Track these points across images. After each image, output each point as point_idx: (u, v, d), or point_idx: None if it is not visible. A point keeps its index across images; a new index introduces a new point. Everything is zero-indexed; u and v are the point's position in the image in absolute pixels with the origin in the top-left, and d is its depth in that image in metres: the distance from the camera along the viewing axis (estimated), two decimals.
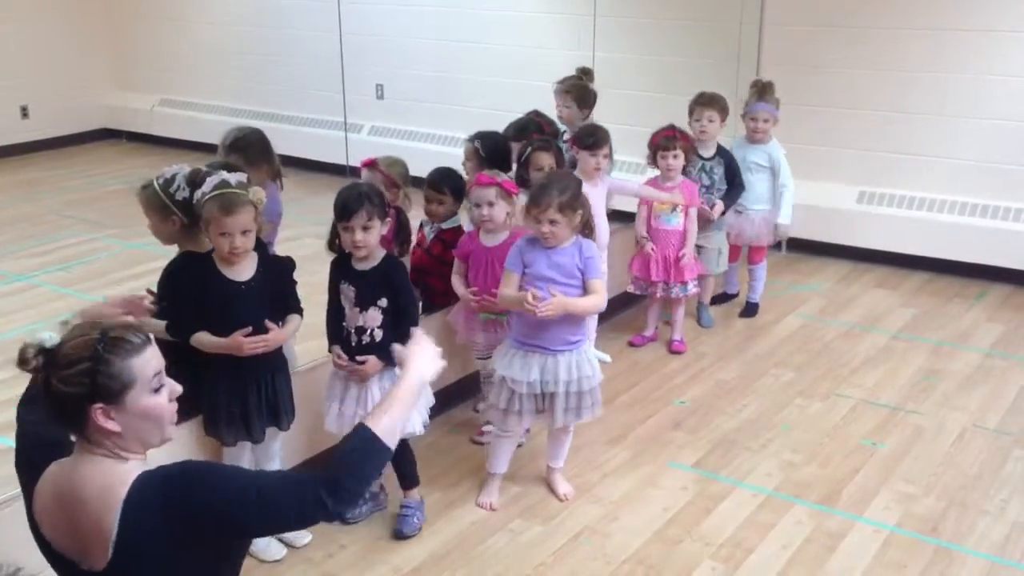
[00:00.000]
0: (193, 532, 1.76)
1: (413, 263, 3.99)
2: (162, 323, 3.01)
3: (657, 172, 4.88)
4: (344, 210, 3.21)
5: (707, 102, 5.01)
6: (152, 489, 1.77)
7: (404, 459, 3.50)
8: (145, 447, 1.85)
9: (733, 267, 5.54)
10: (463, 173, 4.18)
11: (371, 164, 3.87)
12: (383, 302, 3.32)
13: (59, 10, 8.90)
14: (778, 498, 3.70)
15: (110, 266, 6.04)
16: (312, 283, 3.41)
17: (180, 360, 2.57)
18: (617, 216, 5.12)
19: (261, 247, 3.16)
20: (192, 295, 3.02)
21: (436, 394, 3.50)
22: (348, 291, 3.34)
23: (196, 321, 3.03)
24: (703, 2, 6.59)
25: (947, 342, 5.12)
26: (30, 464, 1.91)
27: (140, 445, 1.84)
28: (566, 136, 4.83)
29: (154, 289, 3.16)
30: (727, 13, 6.42)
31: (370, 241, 3.25)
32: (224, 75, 8.85)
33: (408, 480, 3.53)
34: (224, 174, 2.98)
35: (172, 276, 3.09)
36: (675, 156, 4.75)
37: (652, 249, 4.82)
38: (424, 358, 2.09)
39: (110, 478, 1.78)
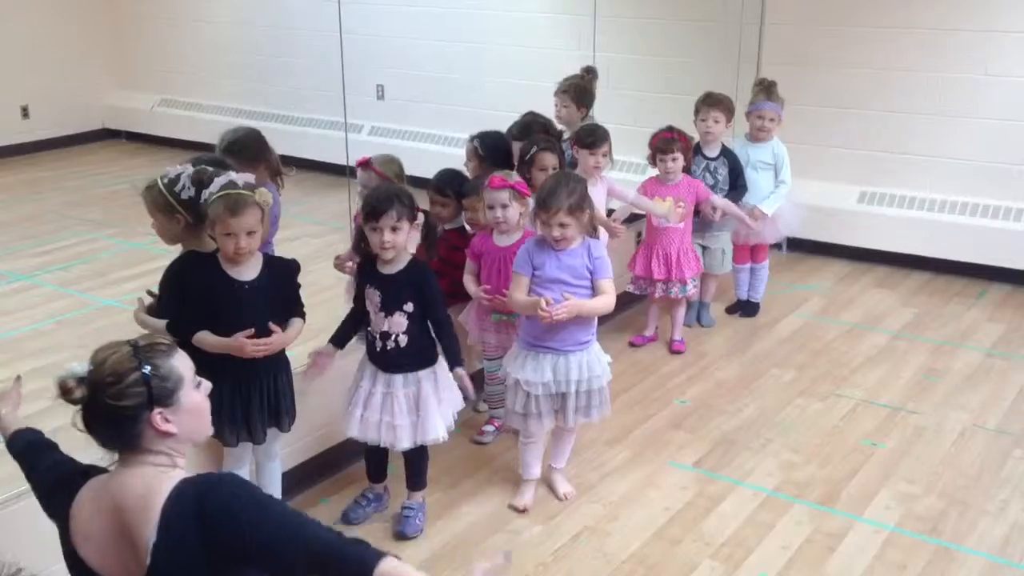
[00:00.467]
0: (224, 548, 1.76)
1: None
2: (162, 322, 3.01)
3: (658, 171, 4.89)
4: (373, 210, 3.18)
5: (713, 103, 5.00)
6: (191, 496, 1.78)
7: (420, 462, 3.51)
8: (194, 445, 1.92)
9: (744, 270, 5.49)
10: (467, 173, 4.19)
11: (365, 163, 3.87)
12: (409, 307, 3.28)
13: (59, 10, 8.90)
14: (778, 498, 3.70)
15: (111, 266, 6.04)
16: (311, 283, 3.40)
17: None
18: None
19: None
20: (195, 294, 3.01)
21: None
22: (373, 295, 3.30)
23: (198, 320, 3.02)
24: (703, 2, 6.59)
25: (947, 342, 5.12)
26: (59, 504, 1.91)
27: (190, 444, 1.90)
28: (565, 136, 4.83)
29: (152, 289, 3.16)
30: (727, 13, 6.42)
31: (398, 242, 3.21)
32: (224, 75, 8.85)
33: (416, 483, 3.53)
34: (232, 175, 2.98)
35: (175, 275, 3.08)
36: (674, 159, 4.76)
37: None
38: None
39: (151, 485, 1.80)
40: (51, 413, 1.97)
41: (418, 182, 4.04)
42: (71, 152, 9.12)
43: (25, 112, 8.95)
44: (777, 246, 6.16)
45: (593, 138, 4.45)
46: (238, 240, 2.93)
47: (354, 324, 3.43)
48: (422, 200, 4.08)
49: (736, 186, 5.09)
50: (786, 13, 6.28)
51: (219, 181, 2.95)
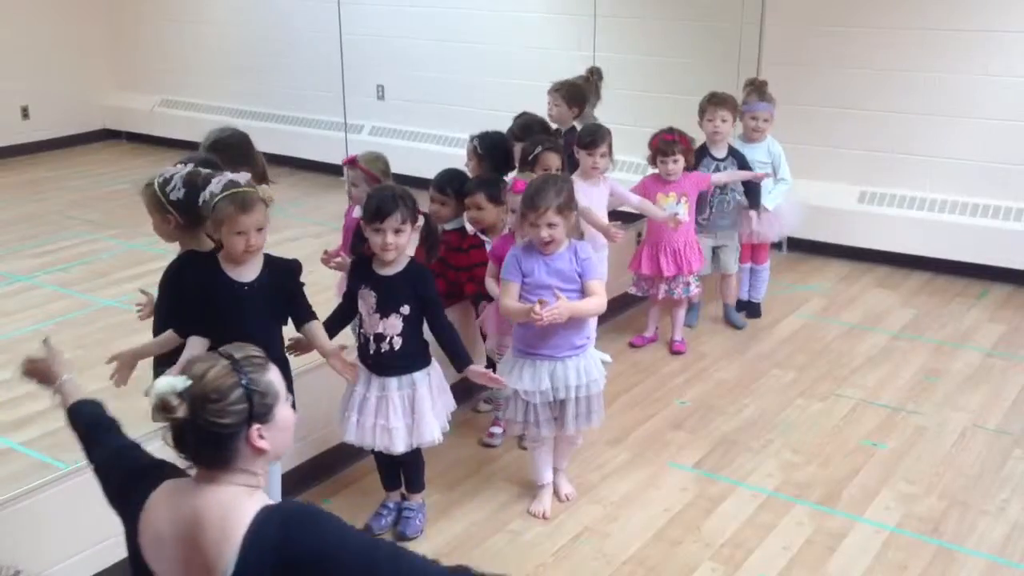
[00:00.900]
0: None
1: None
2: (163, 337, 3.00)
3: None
4: (378, 212, 3.15)
5: (720, 102, 4.97)
6: (271, 537, 1.71)
7: (416, 466, 3.50)
8: (277, 460, 1.87)
9: (744, 270, 5.48)
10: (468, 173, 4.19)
11: (351, 162, 3.86)
12: (405, 309, 3.24)
13: (59, 10, 8.90)
14: (778, 498, 3.70)
15: (111, 266, 6.04)
16: (312, 283, 3.38)
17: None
18: (617, 216, 5.10)
19: None
20: (194, 294, 3.00)
21: None
22: (368, 296, 3.25)
23: (197, 321, 3.02)
24: (703, 2, 6.59)
25: (948, 342, 5.12)
26: (130, 497, 1.86)
27: (275, 459, 1.84)
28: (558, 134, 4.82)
29: (148, 290, 3.15)
30: (727, 13, 6.42)
31: (401, 244, 3.19)
32: (224, 75, 8.84)
33: (414, 485, 3.52)
34: (230, 174, 2.97)
35: (174, 275, 3.07)
36: (675, 161, 4.74)
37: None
38: None
39: (234, 509, 1.74)
40: (51, 413, 1.96)
41: (418, 182, 4.04)
42: (71, 153, 9.12)
43: (25, 112, 8.95)
44: (777, 246, 6.16)
45: (592, 138, 4.43)
46: (248, 237, 2.90)
47: (341, 323, 3.38)
48: (422, 201, 4.08)
49: (750, 186, 5.07)
50: (786, 13, 6.28)
51: (219, 181, 2.94)
